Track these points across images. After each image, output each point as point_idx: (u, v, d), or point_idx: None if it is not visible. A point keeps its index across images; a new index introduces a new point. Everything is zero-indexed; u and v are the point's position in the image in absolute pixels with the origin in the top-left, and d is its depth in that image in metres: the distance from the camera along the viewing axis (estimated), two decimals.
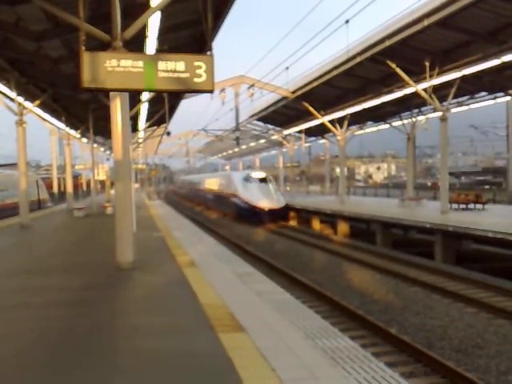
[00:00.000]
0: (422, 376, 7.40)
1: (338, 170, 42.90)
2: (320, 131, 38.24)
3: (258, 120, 40.96)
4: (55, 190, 48.22)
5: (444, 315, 10.24)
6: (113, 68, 7.98)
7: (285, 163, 51.83)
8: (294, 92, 29.23)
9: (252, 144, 51.69)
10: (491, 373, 7.44)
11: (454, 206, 23.87)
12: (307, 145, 45.99)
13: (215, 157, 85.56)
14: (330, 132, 34.52)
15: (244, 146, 53.26)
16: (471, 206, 23.60)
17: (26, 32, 12.83)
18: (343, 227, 24.50)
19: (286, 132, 40.61)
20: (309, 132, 39.33)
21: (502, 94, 23.66)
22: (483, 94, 24.50)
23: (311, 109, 30.48)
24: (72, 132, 30.38)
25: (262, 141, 48.71)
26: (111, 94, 9.61)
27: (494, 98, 24.41)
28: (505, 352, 8.16)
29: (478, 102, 25.40)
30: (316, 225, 28.15)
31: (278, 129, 42.15)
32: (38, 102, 19.65)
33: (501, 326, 9.54)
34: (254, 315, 6.27)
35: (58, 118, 26.35)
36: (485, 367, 7.63)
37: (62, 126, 27.87)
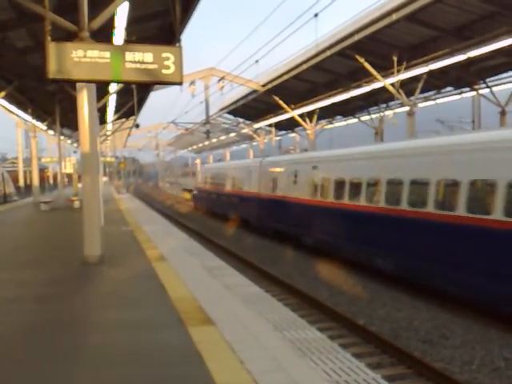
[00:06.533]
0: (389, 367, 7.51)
1: None
2: (290, 125, 38.38)
3: (229, 113, 40.89)
4: (21, 183, 47.33)
5: None
6: (79, 59, 7.83)
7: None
8: (264, 85, 29.21)
9: (222, 137, 51.52)
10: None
11: None
12: (277, 138, 46.10)
13: (185, 150, 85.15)
14: (300, 126, 34.68)
15: (214, 140, 53.06)
16: None
17: None
18: None
19: (256, 125, 40.62)
20: (279, 126, 39.43)
21: (467, 89, 24.07)
22: (450, 88, 24.91)
23: (281, 102, 30.55)
24: (38, 124, 29.81)
25: (233, 134, 48.62)
26: (78, 85, 9.47)
27: (460, 93, 24.83)
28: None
29: (444, 96, 25.83)
30: None
31: (248, 122, 42.13)
32: (3, 94, 19.26)
33: None
34: (222, 308, 6.28)
35: (25, 109, 25.80)
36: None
37: (28, 118, 27.32)
